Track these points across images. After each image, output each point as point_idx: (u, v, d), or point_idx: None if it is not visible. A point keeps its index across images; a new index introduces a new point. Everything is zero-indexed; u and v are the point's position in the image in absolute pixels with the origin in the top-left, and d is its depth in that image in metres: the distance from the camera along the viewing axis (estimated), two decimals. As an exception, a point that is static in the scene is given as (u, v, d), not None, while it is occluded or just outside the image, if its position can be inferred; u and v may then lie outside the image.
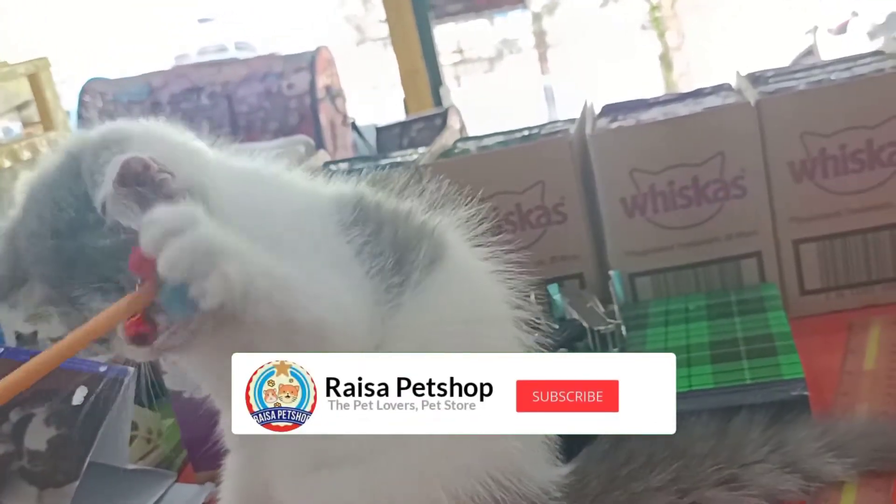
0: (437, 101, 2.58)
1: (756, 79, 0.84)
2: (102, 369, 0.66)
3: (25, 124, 1.00)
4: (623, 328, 0.71)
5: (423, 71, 2.56)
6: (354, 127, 1.91)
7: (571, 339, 0.73)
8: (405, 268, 0.52)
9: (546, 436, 0.55)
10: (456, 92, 3.30)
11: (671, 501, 0.53)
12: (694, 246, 0.78)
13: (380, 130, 1.80)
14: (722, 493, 0.53)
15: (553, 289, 0.79)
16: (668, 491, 0.53)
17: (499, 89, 4.21)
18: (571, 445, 0.57)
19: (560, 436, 0.55)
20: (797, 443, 0.55)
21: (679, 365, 0.66)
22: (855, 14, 3.59)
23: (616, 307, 0.75)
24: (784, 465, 0.54)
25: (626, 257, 0.80)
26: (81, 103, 1.85)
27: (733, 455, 0.54)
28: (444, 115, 1.73)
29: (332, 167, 0.93)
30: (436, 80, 2.59)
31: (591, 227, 0.81)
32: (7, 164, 0.97)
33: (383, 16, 2.72)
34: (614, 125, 0.81)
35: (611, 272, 0.80)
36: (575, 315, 0.74)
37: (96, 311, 0.46)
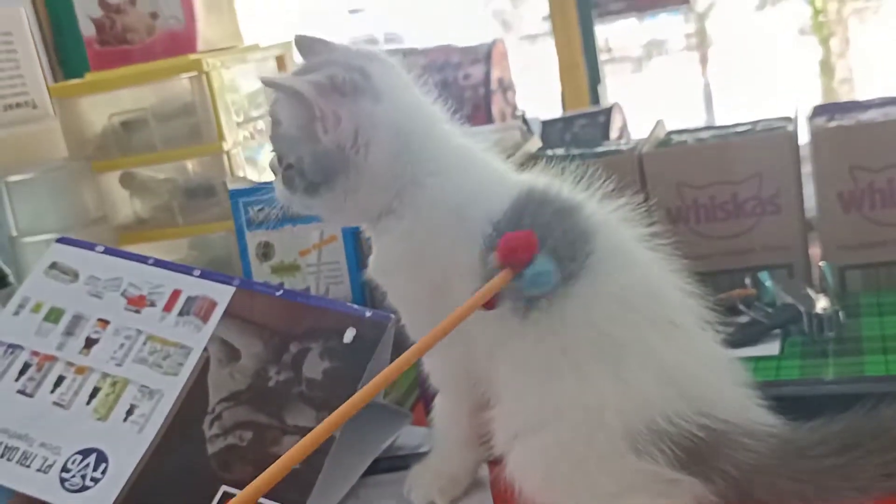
0: (595, 98, 2.62)
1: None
2: (368, 314, 0.75)
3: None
4: (841, 314, 0.76)
5: (583, 67, 2.61)
6: (524, 119, 1.98)
7: (787, 321, 0.78)
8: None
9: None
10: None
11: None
12: (909, 242, 0.82)
13: (544, 124, 1.86)
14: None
15: (764, 276, 0.84)
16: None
17: (646, 89, 4.20)
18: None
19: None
20: None
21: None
22: None
23: (829, 295, 0.79)
24: None
25: (839, 251, 0.84)
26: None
27: None
28: (607, 112, 1.78)
29: (549, 152, 1.01)
30: (594, 78, 2.64)
31: (802, 221, 0.86)
32: (247, 135, 1.09)
33: (532, 11, 2.77)
34: (833, 124, 0.85)
35: (821, 263, 0.85)
36: (789, 300, 0.79)
37: None
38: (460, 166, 0.62)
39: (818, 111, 0.92)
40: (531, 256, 0.57)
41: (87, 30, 1.10)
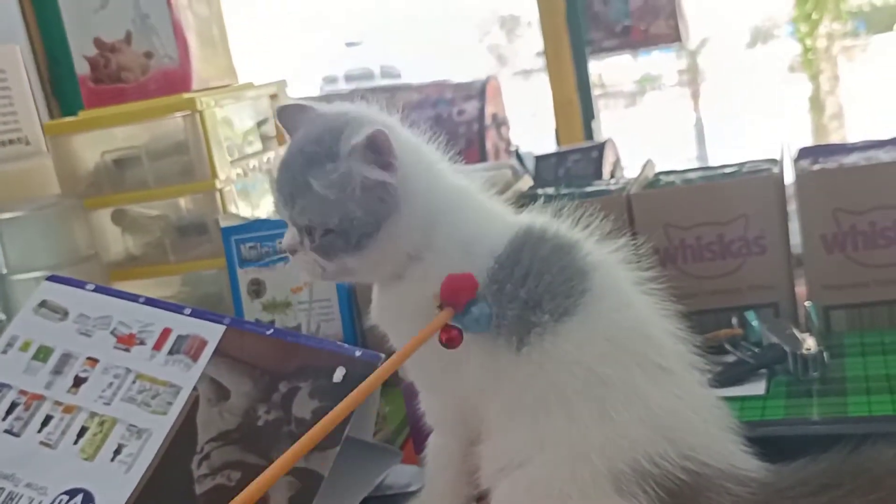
0: (589, 133, 2.65)
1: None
2: (358, 353, 0.76)
3: (263, 139, 1.13)
4: (825, 354, 0.76)
5: (577, 103, 2.63)
6: (518, 155, 2.00)
7: (772, 361, 0.79)
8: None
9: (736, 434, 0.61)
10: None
11: None
12: (893, 284, 0.83)
13: (538, 159, 1.88)
14: None
15: (751, 315, 0.85)
16: None
17: (639, 124, 4.24)
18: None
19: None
20: None
21: (883, 392, 0.71)
22: None
23: (814, 335, 0.80)
24: None
25: (823, 290, 0.85)
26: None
27: None
28: (600, 148, 1.79)
29: (539, 191, 1.02)
30: (588, 114, 2.66)
31: (787, 261, 0.87)
32: (240, 172, 1.10)
33: (526, 47, 2.80)
34: (816, 167, 0.86)
35: (806, 303, 0.86)
36: (774, 339, 0.80)
37: None
38: (462, 203, 0.63)
39: (803, 153, 0.93)
40: (471, 297, 0.58)
41: (82, 68, 1.11)
